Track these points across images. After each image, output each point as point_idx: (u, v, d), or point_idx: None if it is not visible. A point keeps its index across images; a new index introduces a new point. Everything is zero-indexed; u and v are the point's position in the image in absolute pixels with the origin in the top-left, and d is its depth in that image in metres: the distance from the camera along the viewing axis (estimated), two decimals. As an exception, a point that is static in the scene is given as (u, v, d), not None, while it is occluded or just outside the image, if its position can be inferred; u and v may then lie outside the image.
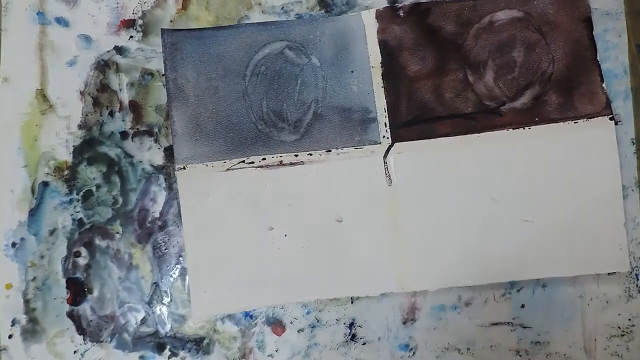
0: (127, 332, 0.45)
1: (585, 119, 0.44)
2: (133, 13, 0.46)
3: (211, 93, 0.45)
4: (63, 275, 0.45)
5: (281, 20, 0.46)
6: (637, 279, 0.45)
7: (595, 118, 0.44)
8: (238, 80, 0.45)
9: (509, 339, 0.45)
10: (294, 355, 0.45)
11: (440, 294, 0.45)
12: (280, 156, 0.45)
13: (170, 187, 0.45)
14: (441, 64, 0.45)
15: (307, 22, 0.46)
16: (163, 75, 0.46)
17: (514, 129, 0.45)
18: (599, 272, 0.44)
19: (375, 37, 0.45)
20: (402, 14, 0.45)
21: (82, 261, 0.45)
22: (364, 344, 0.45)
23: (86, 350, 0.45)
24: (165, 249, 0.45)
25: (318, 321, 0.45)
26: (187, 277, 0.45)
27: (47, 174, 0.45)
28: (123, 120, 0.46)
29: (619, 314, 0.45)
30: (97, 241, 0.45)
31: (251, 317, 0.45)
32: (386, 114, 0.45)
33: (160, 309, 0.45)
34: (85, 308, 0.45)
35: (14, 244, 0.45)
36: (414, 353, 0.45)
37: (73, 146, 0.46)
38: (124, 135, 0.46)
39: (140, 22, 0.46)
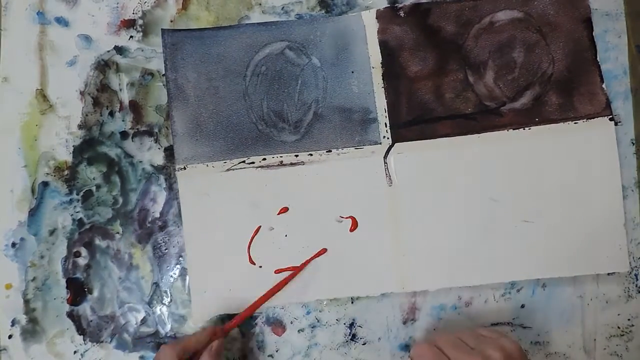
0: (127, 332, 0.45)
1: (585, 120, 0.45)
2: (133, 13, 0.46)
3: (211, 93, 0.45)
4: (63, 275, 0.45)
5: (281, 21, 0.46)
6: (637, 279, 0.45)
7: (595, 119, 0.45)
8: (238, 81, 0.45)
9: (509, 339, 0.45)
10: (294, 355, 0.45)
11: (440, 294, 0.45)
12: (281, 156, 0.45)
13: (171, 187, 0.45)
14: (441, 64, 0.45)
15: (308, 23, 0.46)
16: (163, 75, 0.46)
17: (514, 129, 0.45)
18: (598, 273, 0.44)
19: (376, 38, 0.45)
20: (402, 15, 0.46)
21: (82, 261, 0.45)
22: (364, 344, 0.45)
23: (86, 351, 0.45)
24: (165, 249, 0.45)
25: (318, 321, 0.45)
26: (187, 277, 0.45)
27: (47, 174, 0.45)
28: (123, 120, 0.46)
29: (619, 314, 0.45)
30: (97, 241, 0.45)
31: (251, 317, 0.45)
32: (386, 114, 0.45)
33: (160, 309, 0.45)
34: (85, 308, 0.45)
35: (13, 244, 0.45)
36: (414, 353, 0.45)
37: (73, 146, 0.46)
38: (124, 135, 0.46)
39: (140, 22, 0.46)
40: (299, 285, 0.44)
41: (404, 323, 0.45)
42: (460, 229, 0.44)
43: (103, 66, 0.46)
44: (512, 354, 0.36)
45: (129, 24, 0.46)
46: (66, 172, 0.46)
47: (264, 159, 0.45)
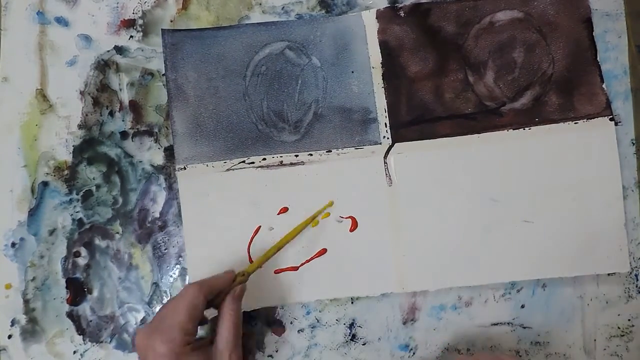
0: (127, 332, 0.45)
1: (585, 120, 0.45)
2: (133, 13, 0.46)
3: (211, 93, 0.45)
4: (63, 275, 0.45)
5: (281, 21, 0.46)
6: (637, 280, 0.45)
7: (596, 119, 0.44)
8: (238, 81, 0.45)
9: (509, 339, 0.45)
10: (294, 355, 0.45)
11: (440, 294, 0.45)
12: (281, 156, 0.45)
13: (170, 187, 0.45)
14: (441, 64, 0.45)
15: (308, 23, 0.46)
16: (163, 75, 0.46)
17: (514, 129, 0.45)
18: (598, 273, 0.44)
19: (376, 38, 0.45)
20: (402, 15, 0.45)
21: (82, 261, 0.45)
22: (364, 344, 0.45)
23: (86, 351, 0.45)
24: (165, 249, 0.45)
25: (318, 321, 0.45)
26: (187, 277, 0.45)
27: (47, 174, 0.45)
28: (123, 120, 0.46)
29: (619, 315, 0.45)
30: (97, 241, 0.45)
31: (251, 317, 0.45)
32: (386, 114, 0.45)
33: (160, 309, 0.45)
34: (85, 308, 0.45)
35: (13, 244, 0.45)
36: (414, 353, 0.45)
37: (73, 146, 0.46)
38: (124, 135, 0.46)
39: (140, 22, 0.46)
40: (299, 285, 0.44)
41: (404, 323, 0.45)
42: (460, 229, 0.44)
43: (103, 66, 0.46)
44: None
45: (129, 23, 0.46)
46: (66, 172, 0.46)
47: (264, 159, 0.45)
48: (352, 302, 0.45)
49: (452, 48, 0.45)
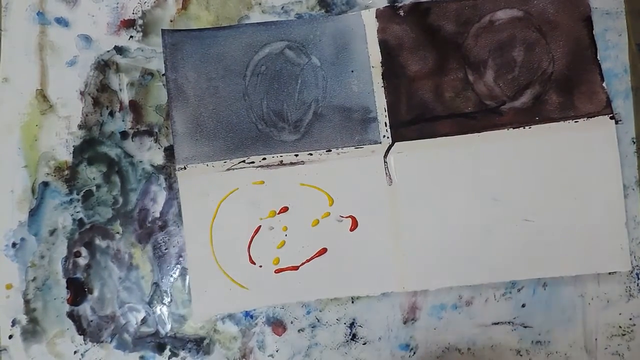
0: (127, 332, 0.45)
1: (585, 118, 0.44)
2: (133, 13, 0.46)
3: (211, 93, 0.45)
4: (63, 275, 0.45)
5: (281, 20, 0.46)
6: (638, 279, 0.44)
7: (596, 117, 0.44)
8: (238, 80, 0.45)
9: (510, 338, 0.44)
10: (295, 355, 0.45)
11: (441, 293, 0.45)
12: (281, 156, 0.45)
13: (171, 187, 0.45)
14: (441, 63, 0.45)
15: (307, 22, 0.46)
16: (163, 75, 0.46)
17: (514, 128, 0.45)
18: (599, 272, 0.44)
19: (376, 37, 0.45)
20: (402, 14, 0.45)
21: (82, 261, 0.45)
22: (364, 343, 0.45)
23: (86, 351, 0.45)
24: (165, 249, 0.45)
25: (318, 321, 0.45)
26: (187, 277, 0.45)
27: (47, 174, 0.45)
28: (123, 120, 0.46)
29: (620, 314, 0.44)
30: (97, 241, 0.45)
31: (251, 317, 0.45)
32: (386, 113, 0.45)
33: (160, 309, 0.45)
34: (85, 308, 0.45)
35: (14, 244, 0.45)
36: (414, 353, 0.45)
37: (73, 146, 0.46)
38: (124, 135, 0.46)
39: (140, 22, 0.46)
40: (299, 285, 0.44)
41: (405, 323, 0.45)
42: (460, 228, 0.44)
43: (103, 66, 0.46)
44: None
45: (129, 24, 0.46)
46: (66, 172, 0.46)
47: (264, 159, 0.45)
48: (352, 302, 0.45)
49: (451, 47, 0.45)
